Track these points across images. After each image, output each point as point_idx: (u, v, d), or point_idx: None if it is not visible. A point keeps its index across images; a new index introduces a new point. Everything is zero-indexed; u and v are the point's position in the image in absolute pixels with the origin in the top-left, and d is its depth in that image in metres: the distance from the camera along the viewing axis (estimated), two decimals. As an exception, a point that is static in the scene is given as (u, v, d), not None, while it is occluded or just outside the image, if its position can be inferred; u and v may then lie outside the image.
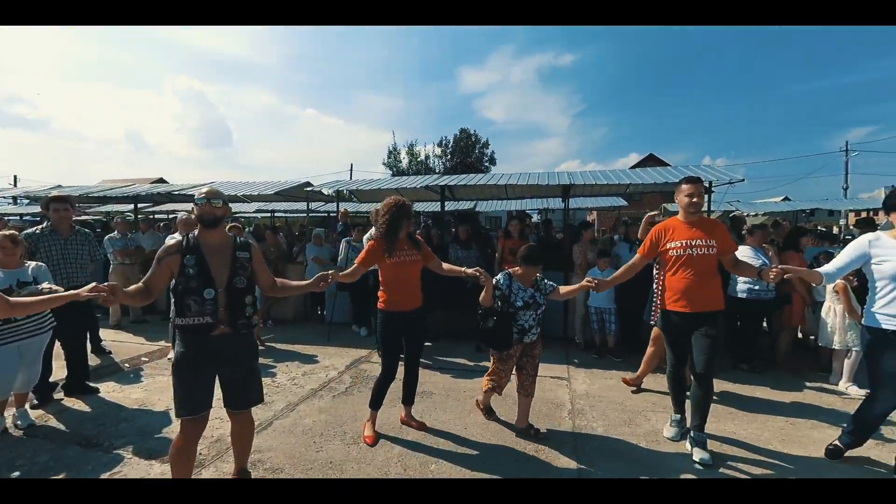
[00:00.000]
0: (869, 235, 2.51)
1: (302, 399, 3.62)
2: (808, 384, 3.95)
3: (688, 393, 2.88)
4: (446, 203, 7.32)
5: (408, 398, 3.14)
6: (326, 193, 8.04)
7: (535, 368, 3.00)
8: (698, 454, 2.66)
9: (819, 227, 16.01)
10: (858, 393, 3.65)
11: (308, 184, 7.46)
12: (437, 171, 20.80)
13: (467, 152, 21.20)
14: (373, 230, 5.00)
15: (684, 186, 2.78)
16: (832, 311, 3.87)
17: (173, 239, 2.26)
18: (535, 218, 13.72)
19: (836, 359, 3.89)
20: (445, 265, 3.06)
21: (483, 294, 2.83)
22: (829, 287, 3.88)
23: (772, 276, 2.49)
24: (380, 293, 2.88)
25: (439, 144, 22.01)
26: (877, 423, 2.57)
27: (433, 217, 7.19)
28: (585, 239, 5.11)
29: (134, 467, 2.58)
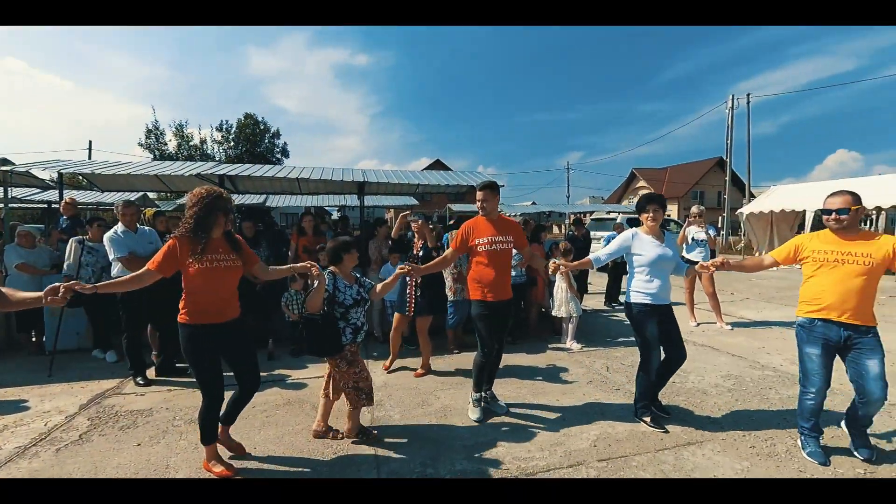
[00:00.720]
0: (630, 231, 3.04)
1: (-3, 466, 2.55)
2: (549, 346, 5.10)
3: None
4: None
5: (229, 417, 2.65)
6: (45, 178, 5.90)
7: None
8: (500, 408, 3.30)
9: (553, 225, 21.05)
10: (577, 347, 4.93)
11: (6, 161, 5.31)
12: (218, 159, 17.86)
13: (255, 141, 18.89)
14: (119, 226, 3.96)
15: (477, 193, 3.19)
16: (559, 288, 5.10)
17: None
18: (335, 215, 13.50)
19: (564, 324, 5.14)
20: (272, 267, 2.73)
21: (312, 296, 2.58)
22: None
23: (551, 269, 3.07)
24: (181, 303, 2.38)
25: (219, 128, 18.85)
26: (655, 380, 3.06)
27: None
28: (381, 235, 5.27)
29: None
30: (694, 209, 5.94)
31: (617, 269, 7.36)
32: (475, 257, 3.16)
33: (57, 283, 1.88)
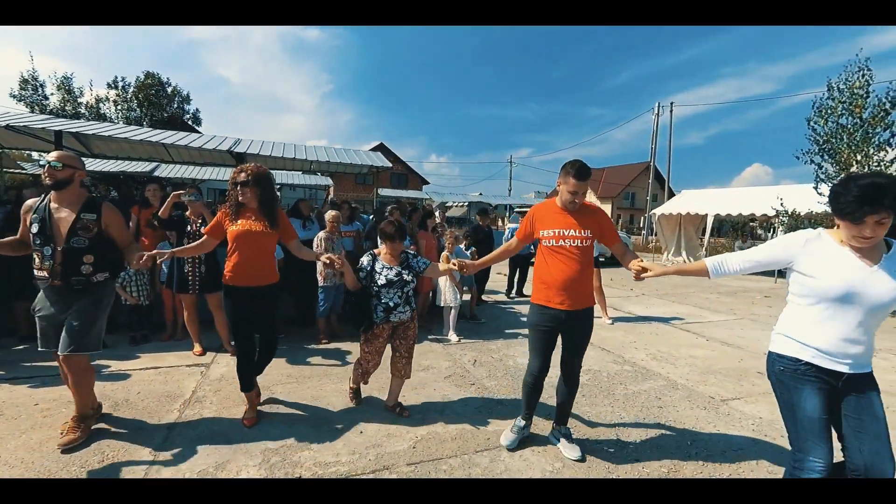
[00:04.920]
0: (807, 233, 1.72)
1: None
2: (429, 338, 4.88)
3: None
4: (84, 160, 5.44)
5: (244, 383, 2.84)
6: None
7: (408, 350, 2.94)
8: (573, 451, 2.51)
9: (497, 217, 21.32)
10: (455, 338, 4.75)
11: None
12: (115, 121, 15.77)
13: (160, 104, 16.80)
14: None
15: (571, 180, 2.29)
16: (441, 277, 4.89)
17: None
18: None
19: (446, 314, 4.95)
20: (305, 249, 2.98)
21: (345, 278, 2.78)
22: (442, 256, 4.88)
23: (636, 271, 2.21)
24: None
25: (112, 85, 16.50)
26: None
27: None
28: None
29: None
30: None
31: (518, 260, 7.31)
32: (539, 251, 2.53)
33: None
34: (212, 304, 3.97)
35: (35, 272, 2.32)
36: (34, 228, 2.29)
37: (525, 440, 2.68)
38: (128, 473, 2.22)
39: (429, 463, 2.41)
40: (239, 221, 2.68)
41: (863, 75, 7.36)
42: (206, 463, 2.32)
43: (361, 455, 2.46)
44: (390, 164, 5.30)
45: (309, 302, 4.82)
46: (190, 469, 2.26)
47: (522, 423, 2.66)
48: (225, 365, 3.78)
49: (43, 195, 2.37)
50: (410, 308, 2.90)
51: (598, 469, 2.42)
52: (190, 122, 17.26)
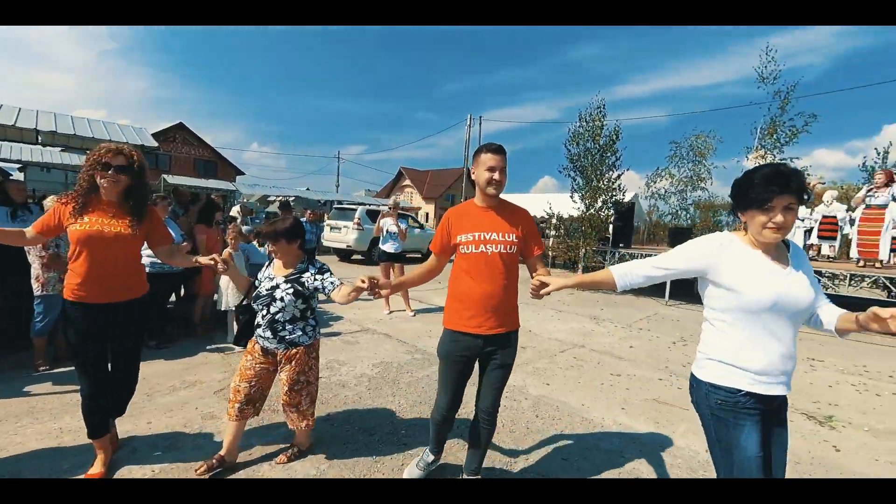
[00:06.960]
0: (719, 237, 1.50)
1: None
2: (209, 347, 4.25)
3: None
4: None
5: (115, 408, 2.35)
6: None
7: (289, 380, 2.29)
8: None
9: (324, 214, 20.33)
10: (239, 347, 4.24)
11: None
12: None
13: None
14: None
15: (484, 156, 1.91)
16: (223, 278, 4.32)
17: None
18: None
19: (230, 319, 4.40)
20: (180, 255, 2.46)
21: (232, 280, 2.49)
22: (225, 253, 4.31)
23: (535, 287, 1.76)
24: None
25: None
26: None
27: None
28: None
29: None
30: (391, 200, 6.16)
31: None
32: (456, 261, 2.06)
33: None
34: None
35: None
36: None
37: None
38: None
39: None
40: (86, 218, 2.07)
41: (600, 111, 9.66)
42: None
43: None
44: (156, 145, 4.37)
45: (19, 315, 3.63)
46: None
47: (431, 457, 2.29)
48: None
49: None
50: (277, 339, 2.23)
51: (366, 462, 2.45)
52: None
